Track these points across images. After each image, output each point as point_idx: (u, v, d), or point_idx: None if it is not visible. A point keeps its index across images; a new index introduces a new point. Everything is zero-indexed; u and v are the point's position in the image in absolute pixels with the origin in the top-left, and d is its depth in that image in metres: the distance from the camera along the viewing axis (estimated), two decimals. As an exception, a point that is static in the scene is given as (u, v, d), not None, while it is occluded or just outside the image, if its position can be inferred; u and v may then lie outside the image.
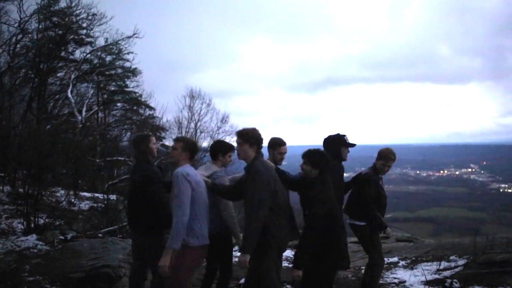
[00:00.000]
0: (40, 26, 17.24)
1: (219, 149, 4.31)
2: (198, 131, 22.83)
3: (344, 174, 5.07)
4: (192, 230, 3.45)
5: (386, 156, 4.82)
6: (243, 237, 3.51)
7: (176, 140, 3.79)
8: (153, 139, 4.24)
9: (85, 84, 20.16)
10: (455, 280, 5.15)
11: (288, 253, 8.07)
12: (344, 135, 4.73)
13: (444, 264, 6.11)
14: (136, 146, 4.15)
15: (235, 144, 3.90)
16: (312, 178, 3.79)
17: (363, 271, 5.30)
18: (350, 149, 4.86)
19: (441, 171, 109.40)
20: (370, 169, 4.88)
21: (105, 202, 10.91)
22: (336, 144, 4.72)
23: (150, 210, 3.87)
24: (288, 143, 4.54)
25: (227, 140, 11.52)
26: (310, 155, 3.85)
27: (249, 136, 3.69)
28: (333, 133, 4.84)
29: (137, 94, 23.02)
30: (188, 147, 3.67)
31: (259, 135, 3.75)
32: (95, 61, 20.34)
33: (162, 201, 3.93)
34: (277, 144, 4.45)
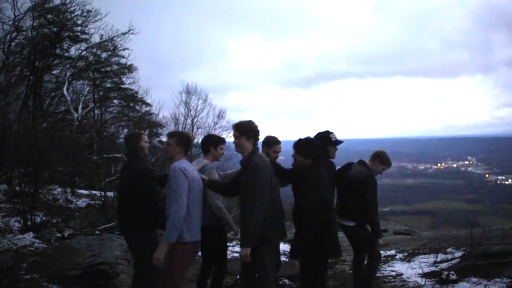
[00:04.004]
0: (35, 24, 17.15)
1: (210, 142, 4.33)
2: (195, 127, 22.87)
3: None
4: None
5: (388, 161, 4.75)
6: (242, 231, 3.51)
7: (170, 135, 3.74)
8: (145, 137, 4.18)
9: (81, 81, 20.11)
10: (452, 272, 5.16)
11: (286, 247, 8.09)
12: (332, 133, 4.42)
13: (441, 256, 6.14)
14: (127, 144, 4.11)
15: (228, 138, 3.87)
16: (305, 168, 3.81)
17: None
18: (346, 143, 4.75)
19: (439, 164, 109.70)
20: (365, 169, 4.61)
21: (103, 199, 10.90)
22: (322, 143, 4.30)
23: (141, 208, 3.81)
24: (284, 138, 4.54)
25: (223, 136, 11.47)
26: (299, 144, 3.88)
27: (246, 129, 3.66)
28: (324, 129, 4.49)
29: (133, 91, 23.02)
30: (182, 141, 3.63)
31: (256, 127, 3.72)
32: (91, 58, 20.25)
33: (153, 199, 3.87)
34: (271, 142, 4.44)
